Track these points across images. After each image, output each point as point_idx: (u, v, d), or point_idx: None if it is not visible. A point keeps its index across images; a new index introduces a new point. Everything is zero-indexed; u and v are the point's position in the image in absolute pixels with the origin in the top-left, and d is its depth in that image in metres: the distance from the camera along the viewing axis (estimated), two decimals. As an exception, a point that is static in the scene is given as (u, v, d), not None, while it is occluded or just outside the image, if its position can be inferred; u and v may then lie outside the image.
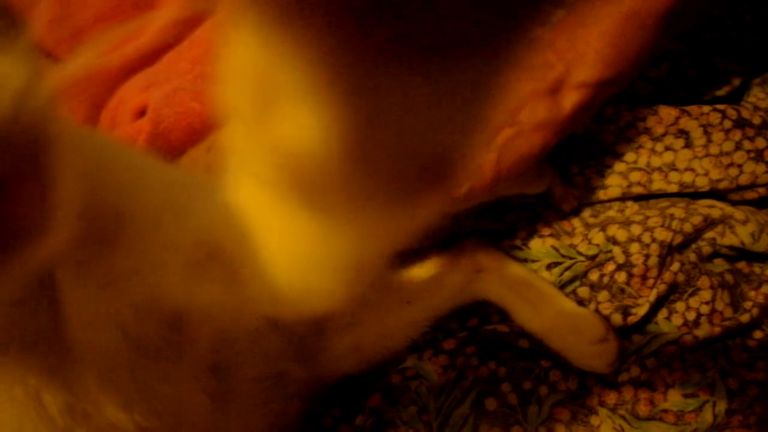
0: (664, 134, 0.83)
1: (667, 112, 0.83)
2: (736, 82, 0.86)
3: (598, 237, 0.81)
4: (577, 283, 0.80)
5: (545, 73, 0.71)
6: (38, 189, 0.32)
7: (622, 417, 0.72)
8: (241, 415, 0.70)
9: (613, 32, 0.69)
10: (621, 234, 0.80)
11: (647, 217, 0.81)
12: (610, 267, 0.79)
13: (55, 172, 0.33)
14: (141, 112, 1.01)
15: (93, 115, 1.11)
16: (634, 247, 0.79)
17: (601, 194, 0.84)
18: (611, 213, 0.84)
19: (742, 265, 0.80)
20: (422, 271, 0.85)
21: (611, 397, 0.73)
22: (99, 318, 0.49)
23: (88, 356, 0.49)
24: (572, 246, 0.82)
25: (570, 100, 0.70)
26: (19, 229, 0.31)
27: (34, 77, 0.32)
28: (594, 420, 0.73)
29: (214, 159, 0.89)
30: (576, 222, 0.85)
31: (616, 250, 0.80)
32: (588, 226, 0.83)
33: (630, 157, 0.84)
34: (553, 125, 0.71)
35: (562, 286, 0.80)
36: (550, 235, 0.84)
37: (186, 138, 0.93)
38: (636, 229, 0.80)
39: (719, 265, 0.79)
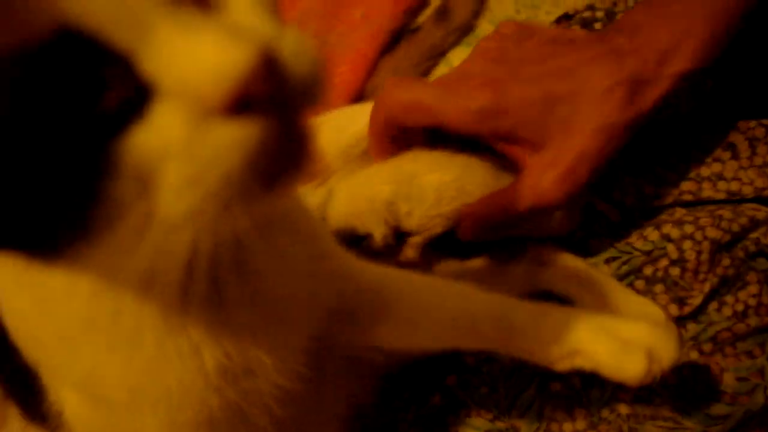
0: (713, 147, 0.92)
1: (716, 127, 0.92)
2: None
3: (653, 234, 0.88)
4: (632, 277, 0.88)
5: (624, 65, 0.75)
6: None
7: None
8: (329, 391, 0.76)
9: (715, 19, 0.72)
10: (675, 232, 0.88)
11: (698, 218, 0.88)
12: (664, 262, 0.87)
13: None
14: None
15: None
16: (687, 244, 0.87)
17: (654, 203, 0.92)
18: (662, 216, 0.91)
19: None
20: (489, 263, 0.91)
21: (672, 378, 0.80)
22: (287, 273, 0.56)
23: (257, 316, 0.54)
24: (628, 243, 0.90)
25: (654, 92, 0.75)
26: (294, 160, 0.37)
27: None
28: (656, 400, 0.80)
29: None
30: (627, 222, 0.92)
31: (670, 247, 0.87)
32: (641, 226, 0.91)
33: (681, 167, 0.92)
34: (627, 121, 0.76)
35: (619, 279, 0.87)
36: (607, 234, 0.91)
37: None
38: (689, 228, 0.87)
39: (762, 263, 0.87)
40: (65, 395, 0.60)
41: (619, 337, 0.67)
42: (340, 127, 0.94)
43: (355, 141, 0.93)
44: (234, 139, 0.33)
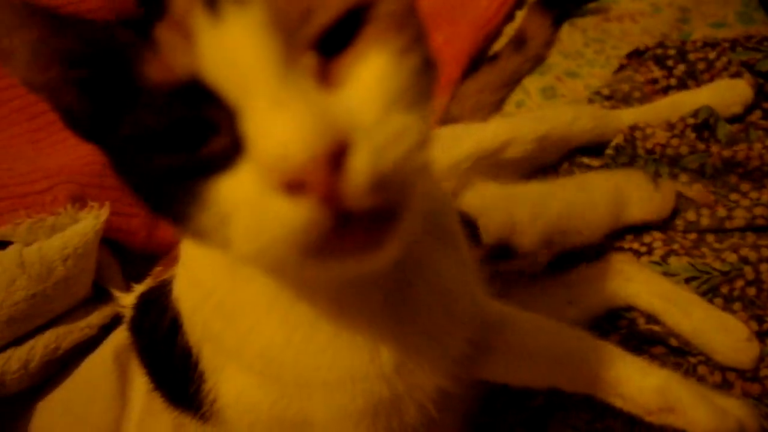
0: (786, 175, 1.01)
1: (789, 156, 1.01)
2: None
3: (731, 256, 0.97)
4: (710, 294, 0.96)
5: None
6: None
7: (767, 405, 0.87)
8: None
9: None
10: (752, 255, 0.96)
11: (759, 246, 0.97)
12: (741, 282, 0.95)
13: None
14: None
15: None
16: (764, 267, 0.95)
17: (727, 224, 1.00)
18: (734, 239, 1.00)
19: None
20: (579, 277, 0.99)
21: (755, 389, 0.88)
22: (452, 291, 0.62)
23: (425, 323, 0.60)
24: (706, 263, 0.98)
25: None
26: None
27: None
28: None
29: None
30: (703, 246, 1.00)
31: (747, 269, 0.95)
32: (717, 250, 0.99)
33: (754, 194, 1.01)
34: None
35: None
36: (685, 254, 0.99)
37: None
38: (765, 252, 0.96)
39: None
40: (230, 378, 0.63)
41: (716, 404, 0.69)
42: (450, 143, 1.01)
43: (465, 157, 1.00)
44: (283, 214, 0.37)
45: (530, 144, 1.02)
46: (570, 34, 1.31)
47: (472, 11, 1.31)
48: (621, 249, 1.03)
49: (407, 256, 0.55)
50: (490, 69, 1.23)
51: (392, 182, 0.37)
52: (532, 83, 1.25)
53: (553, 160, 1.08)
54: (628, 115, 1.10)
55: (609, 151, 1.07)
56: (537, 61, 1.27)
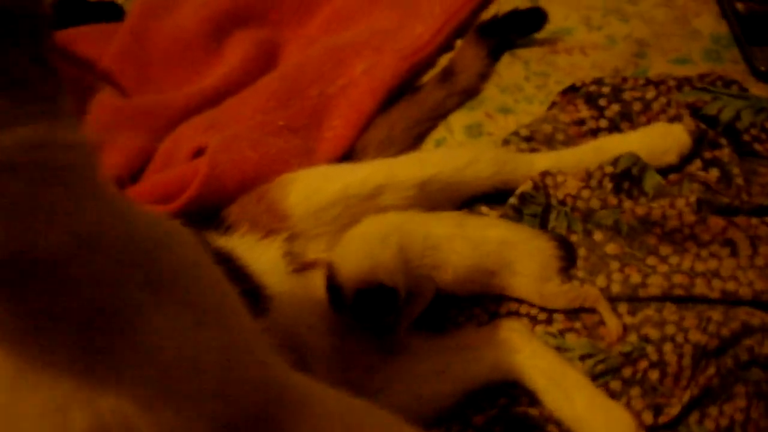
0: (711, 242, 0.85)
1: (716, 222, 0.85)
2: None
3: (631, 336, 0.82)
4: (609, 376, 0.81)
5: None
6: None
7: None
8: None
9: None
10: (654, 333, 0.81)
11: (683, 318, 0.82)
12: (643, 364, 0.80)
13: None
14: (197, 153, 1.04)
15: (148, 147, 1.14)
16: (668, 347, 0.80)
17: (641, 292, 0.85)
18: (649, 311, 0.85)
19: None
20: (456, 342, 0.86)
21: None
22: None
23: None
24: (609, 344, 0.83)
25: None
26: None
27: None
28: None
29: (264, 208, 0.91)
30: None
31: (650, 349, 0.80)
32: (624, 326, 0.84)
33: (674, 259, 0.86)
34: None
35: (594, 378, 0.81)
36: (587, 335, 0.85)
37: (239, 185, 0.96)
38: (670, 329, 0.81)
39: (756, 373, 0.79)
40: None
41: None
42: (314, 187, 0.90)
43: (328, 203, 0.89)
44: None
45: (408, 191, 0.90)
46: (509, 66, 1.18)
47: (402, 39, 1.20)
48: (516, 314, 0.89)
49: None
50: (408, 102, 1.11)
51: None
52: (458, 119, 1.13)
53: (447, 209, 0.96)
54: (542, 160, 0.96)
55: (512, 200, 0.93)
56: (468, 95, 1.14)
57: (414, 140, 1.09)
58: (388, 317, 0.83)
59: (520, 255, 0.86)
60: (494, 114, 1.13)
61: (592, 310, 0.86)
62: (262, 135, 1.05)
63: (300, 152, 1.05)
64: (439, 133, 1.12)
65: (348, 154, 1.07)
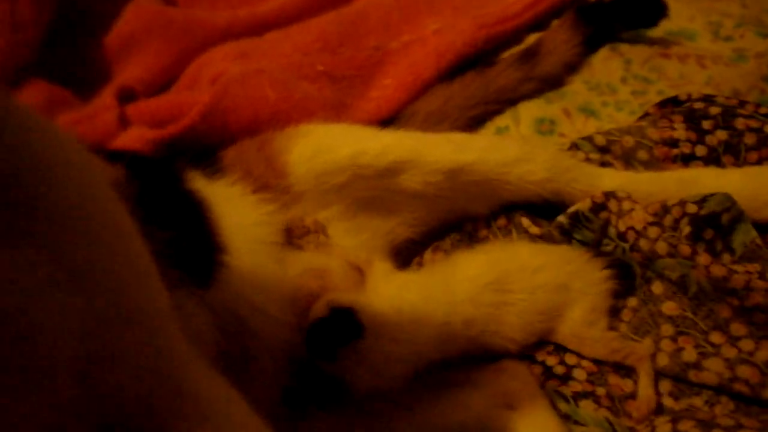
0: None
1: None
2: None
3: (665, 426, 0.62)
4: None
5: None
6: None
7: None
8: None
9: None
10: (697, 434, 0.61)
11: (739, 425, 0.61)
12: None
13: None
14: (217, 80, 0.90)
15: (178, 65, 1.01)
16: (710, 459, 0.60)
17: (692, 374, 0.66)
18: (697, 401, 0.65)
19: None
20: (439, 376, 0.68)
21: None
22: None
23: None
24: (632, 429, 0.64)
25: None
26: None
27: None
28: None
29: (264, 158, 0.76)
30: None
31: (683, 450, 0.61)
32: (660, 406, 0.65)
33: (746, 344, 0.65)
34: None
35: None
36: (608, 408, 0.66)
37: (244, 125, 0.81)
38: (727, 439, 0.61)
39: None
40: None
41: None
42: (323, 146, 0.74)
43: (336, 168, 0.73)
44: None
45: (435, 175, 0.73)
46: (606, 62, 0.97)
47: (490, 5, 1.02)
48: (530, 358, 0.71)
49: None
50: (476, 76, 0.93)
51: None
52: (529, 110, 0.94)
53: (480, 209, 0.78)
54: (611, 178, 0.77)
55: (561, 218, 0.74)
56: (548, 84, 0.95)
57: (470, 122, 0.92)
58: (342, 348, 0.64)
59: (574, 298, 0.68)
60: (573, 113, 0.93)
61: (625, 375, 0.67)
62: (293, 77, 0.90)
63: (330, 105, 0.89)
64: (502, 120, 0.93)
65: (390, 122, 0.90)
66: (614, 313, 0.71)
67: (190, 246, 0.62)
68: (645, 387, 0.66)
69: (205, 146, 0.82)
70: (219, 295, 0.62)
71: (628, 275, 0.72)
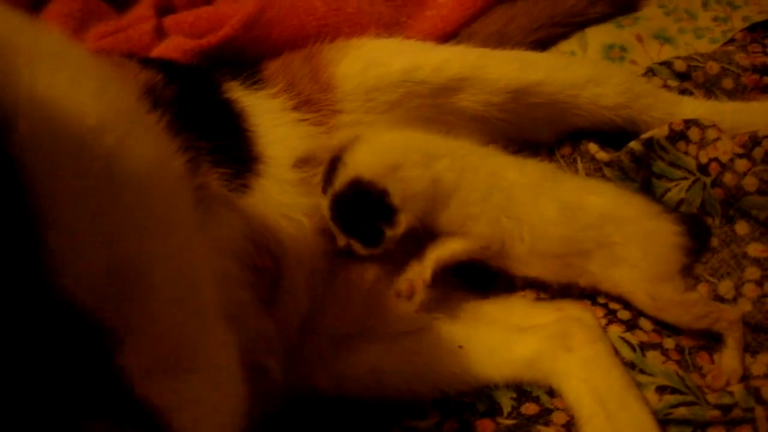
0: None
1: None
2: None
3: (737, 386, 0.56)
4: (688, 429, 0.55)
5: None
6: None
7: None
8: None
9: None
10: (768, 391, 0.54)
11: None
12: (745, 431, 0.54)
13: None
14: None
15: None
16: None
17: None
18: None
19: None
20: (495, 311, 0.63)
21: None
22: None
23: None
24: (700, 386, 0.57)
25: None
26: None
27: None
28: None
29: (309, 70, 0.70)
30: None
31: (760, 412, 0.54)
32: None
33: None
34: None
35: (665, 424, 0.55)
36: (677, 361, 0.59)
37: (288, 38, 0.74)
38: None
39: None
40: None
41: None
42: (375, 59, 0.67)
43: (387, 84, 0.66)
44: None
45: (498, 95, 0.66)
46: (686, -14, 0.88)
47: None
48: (592, 299, 0.64)
49: None
50: (541, -4, 0.84)
51: None
52: (598, 35, 0.85)
53: (544, 136, 0.70)
54: (692, 106, 0.69)
55: (633, 144, 0.67)
56: (621, 8, 0.86)
57: (533, 46, 0.83)
58: (374, 223, 0.60)
59: (629, 237, 0.61)
60: (647, 39, 0.84)
61: (711, 335, 0.60)
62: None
63: (383, 22, 0.81)
64: (568, 45, 0.85)
65: (450, 37, 0.82)
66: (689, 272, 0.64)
67: (227, 154, 0.57)
68: (731, 358, 0.58)
69: (245, 59, 0.76)
70: (253, 203, 0.58)
71: (702, 233, 0.64)
